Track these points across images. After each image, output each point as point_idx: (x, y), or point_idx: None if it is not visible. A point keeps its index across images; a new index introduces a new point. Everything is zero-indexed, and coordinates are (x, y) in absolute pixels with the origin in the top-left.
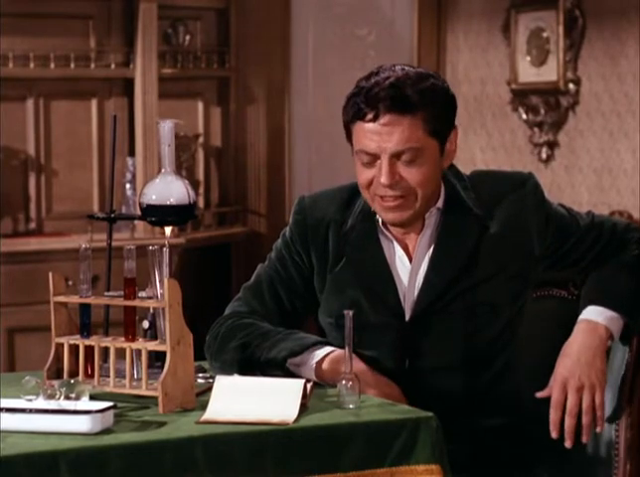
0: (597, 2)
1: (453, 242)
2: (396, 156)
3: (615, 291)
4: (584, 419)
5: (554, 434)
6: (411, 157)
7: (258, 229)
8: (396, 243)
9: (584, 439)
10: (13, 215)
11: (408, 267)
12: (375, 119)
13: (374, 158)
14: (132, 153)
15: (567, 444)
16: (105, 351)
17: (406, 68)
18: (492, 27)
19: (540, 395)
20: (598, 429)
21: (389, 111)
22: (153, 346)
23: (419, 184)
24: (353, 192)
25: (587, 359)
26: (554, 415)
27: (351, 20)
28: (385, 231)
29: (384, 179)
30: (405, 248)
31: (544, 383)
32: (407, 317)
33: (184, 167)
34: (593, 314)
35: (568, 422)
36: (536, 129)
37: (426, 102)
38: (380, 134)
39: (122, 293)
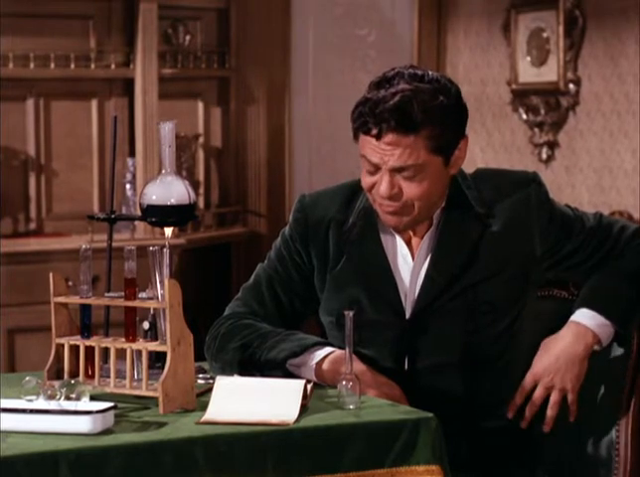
0: (597, 2)
1: (454, 240)
2: (396, 171)
3: (611, 298)
4: (549, 412)
5: (509, 414)
6: (412, 173)
7: (258, 229)
8: (399, 241)
9: (545, 429)
10: (13, 215)
11: (411, 265)
12: (378, 137)
13: (376, 168)
14: (132, 153)
15: (522, 425)
16: (106, 351)
17: (419, 84)
18: (492, 27)
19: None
20: (571, 418)
21: (392, 131)
22: (153, 346)
23: (419, 198)
24: (354, 190)
25: (566, 361)
26: (517, 399)
27: (351, 20)
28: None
29: (382, 191)
30: (409, 246)
31: None
32: (408, 315)
33: (184, 167)
34: (585, 318)
35: (529, 409)
36: (536, 129)
37: (431, 121)
38: (383, 150)
39: (123, 294)
